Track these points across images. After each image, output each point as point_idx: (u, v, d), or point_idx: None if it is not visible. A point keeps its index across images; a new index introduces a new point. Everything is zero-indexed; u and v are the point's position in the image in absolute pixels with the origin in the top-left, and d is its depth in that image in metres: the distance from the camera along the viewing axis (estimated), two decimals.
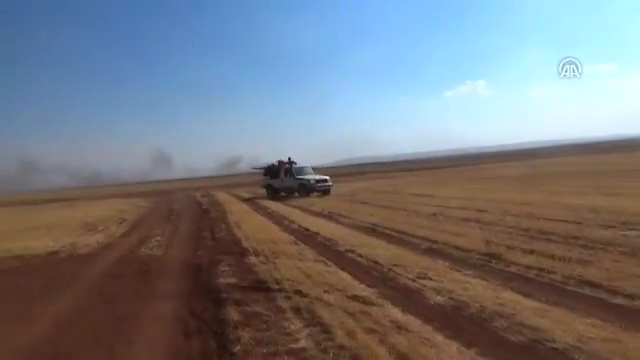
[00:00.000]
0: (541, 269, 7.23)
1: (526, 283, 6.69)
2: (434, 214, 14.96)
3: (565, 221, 11.40)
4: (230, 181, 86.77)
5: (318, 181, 29.38)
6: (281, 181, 30.88)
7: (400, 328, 5.05)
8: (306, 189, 29.04)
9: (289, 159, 31.40)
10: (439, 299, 6.10)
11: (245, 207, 24.48)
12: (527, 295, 6.03)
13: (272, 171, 31.87)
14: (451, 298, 6.07)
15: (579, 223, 10.99)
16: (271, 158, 32.65)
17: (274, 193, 30.92)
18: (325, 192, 29.02)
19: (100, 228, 18.73)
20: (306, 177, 29.69)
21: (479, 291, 6.30)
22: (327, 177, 30.17)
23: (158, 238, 14.33)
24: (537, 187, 22.24)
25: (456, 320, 5.33)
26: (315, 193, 28.90)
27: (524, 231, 10.49)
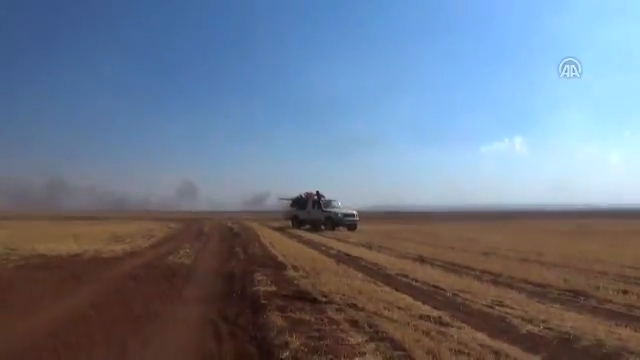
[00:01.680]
0: None
1: None
2: (486, 253, 13.55)
3: None
4: (258, 215, 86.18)
5: (346, 215, 28.85)
6: (308, 213, 30.43)
7: (497, 354, 3.83)
8: (332, 222, 28.47)
9: (317, 192, 30.88)
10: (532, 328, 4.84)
11: (278, 235, 23.44)
12: None
13: (300, 202, 31.57)
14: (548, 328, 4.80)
15: None
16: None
17: (299, 224, 30.38)
18: (351, 227, 28.15)
19: (127, 240, 17.99)
20: (333, 210, 29.25)
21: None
22: (354, 212, 29.63)
23: (187, 250, 13.38)
24: (588, 239, 20.49)
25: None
26: (341, 228, 28.11)
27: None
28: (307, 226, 29.83)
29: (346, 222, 28.39)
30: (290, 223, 31.46)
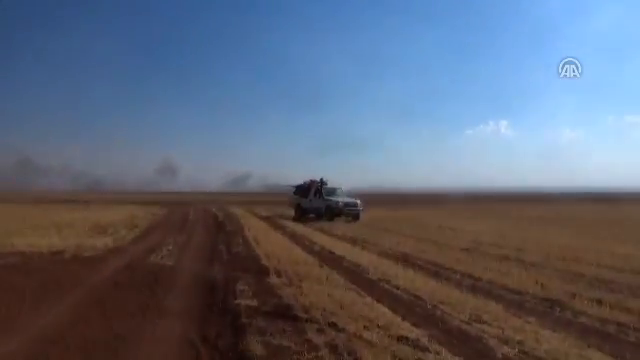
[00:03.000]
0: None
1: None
2: (467, 249, 13.74)
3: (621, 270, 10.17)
4: (240, 198, 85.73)
5: (347, 204, 26.89)
6: (310, 201, 28.30)
7: None
8: (332, 212, 26.66)
9: (321, 179, 28.65)
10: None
11: (263, 225, 23.43)
12: None
13: (303, 190, 29.37)
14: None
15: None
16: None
17: (302, 214, 28.40)
18: (355, 217, 26.56)
19: (110, 231, 17.85)
20: (334, 199, 27.14)
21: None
22: (357, 200, 27.50)
23: (170, 247, 13.32)
24: (568, 230, 20.87)
25: None
26: (344, 217, 26.43)
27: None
28: (312, 215, 28.03)
29: (347, 212, 26.68)
30: (293, 212, 29.33)
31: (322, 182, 28.65)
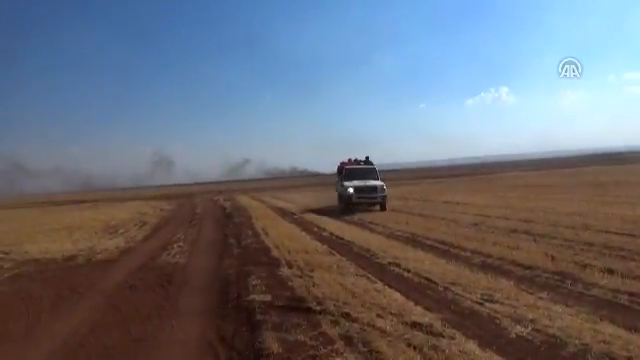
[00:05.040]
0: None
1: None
2: (475, 224, 13.76)
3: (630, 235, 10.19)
4: (241, 185, 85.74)
5: (359, 189, 20.63)
6: (340, 187, 22.14)
7: None
8: (344, 202, 21.01)
9: (354, 159, 23.38)
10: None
11: (271, 214, 23.50)
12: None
13: (339, 173, 23.24)
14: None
15: None
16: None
17: (343, 203, 21.51)
18: (381, 207, 20.60)
19: (121, 231, 18.03)
20: (352, 184, 20.89)
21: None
22: (377, 184, 20.89)
23: (181, 244, 13.44)
24: (577, 196, 20.83)
25: None
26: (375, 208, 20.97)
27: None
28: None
29: (358, 200, 20.64)
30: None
31: (357, 162, 23.24)
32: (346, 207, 20.75)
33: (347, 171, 22.11)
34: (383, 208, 20.50)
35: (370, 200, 20.78)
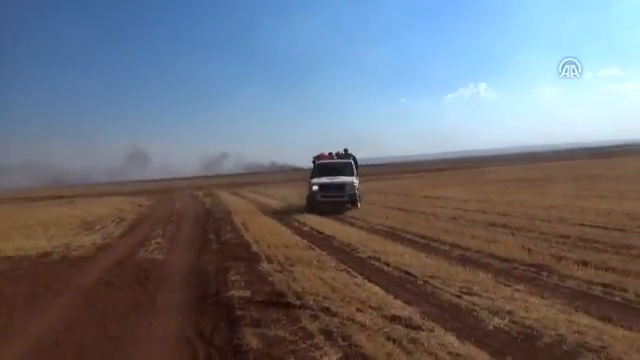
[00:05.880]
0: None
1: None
2: (454, 218, 13.91)
3: (604, 227, 10.42)
4: (224, 181, 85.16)
5: (324, 187, 18.08)
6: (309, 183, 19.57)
7: None
8: (309, 202, 18.59)
9: (335, 153, 21.32)
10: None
11: (251, 208, 23.38)
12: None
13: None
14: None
15: (621, 230, 10.00)
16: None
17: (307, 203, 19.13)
18: (352, 204, 18.15)
19: (98, 227, 17.71)
20: (318, 181, 18.44)
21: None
22: (346, 180, 18.32)
23: (159, 240, 13.26)
24: (553, 189, 21.24)
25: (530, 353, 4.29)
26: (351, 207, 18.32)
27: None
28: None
29: (322, 199, 18.02)
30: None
31: (333, 155, 21.08)
32: (311, 208, 18.16)
33: (318, 166, 19.71)
34: (354, 204, 18.14)
35: (337, 199, 18.05)
